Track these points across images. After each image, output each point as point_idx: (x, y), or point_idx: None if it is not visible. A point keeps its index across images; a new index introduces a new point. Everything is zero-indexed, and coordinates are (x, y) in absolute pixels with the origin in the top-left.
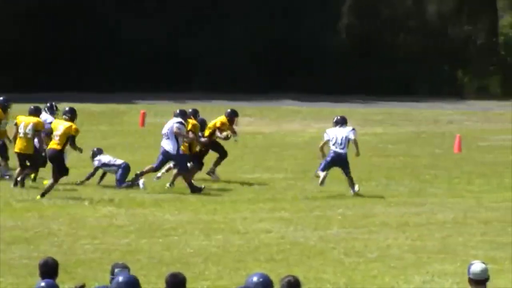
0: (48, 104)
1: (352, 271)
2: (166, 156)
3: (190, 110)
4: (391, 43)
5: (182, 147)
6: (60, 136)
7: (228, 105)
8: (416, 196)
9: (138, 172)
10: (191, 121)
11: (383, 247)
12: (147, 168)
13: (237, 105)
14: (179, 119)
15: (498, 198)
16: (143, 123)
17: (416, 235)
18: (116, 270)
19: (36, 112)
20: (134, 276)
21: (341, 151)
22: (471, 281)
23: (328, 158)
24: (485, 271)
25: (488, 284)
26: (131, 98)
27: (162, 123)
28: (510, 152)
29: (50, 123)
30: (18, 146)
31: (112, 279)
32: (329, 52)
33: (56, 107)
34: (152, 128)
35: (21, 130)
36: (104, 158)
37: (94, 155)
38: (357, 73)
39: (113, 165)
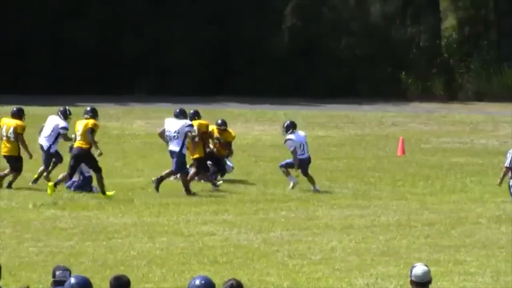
0: (61, 108)
1: (296, 273)
2: (174, 156)
3: (192, 112)
4: (334, 45)
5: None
6: (82, 135)
7: (171, 108)
8: (360, 198)
9: (185, 189)
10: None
11: (327, 250)
12: (187, 181)
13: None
14: (188, 121)
15: (441, 200)
16: None
17: (360, 237)
18: (57, 272)
19: (18, 114)
20: (87, 278)
21: (307, 155)
22: (413, 283)
23: (291, 161)
24: (427, 274)
25: (431, 286)
26: (74, 100)
27: (106, 126)
28: (453, 154)
29: (63, 128)
30: (3, 149)
31: (54, 281)
32: (272, 55)
33: (70, 112)
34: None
35: (4, 133)
36: None
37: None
38: (300, 76)
39: (81, 172)
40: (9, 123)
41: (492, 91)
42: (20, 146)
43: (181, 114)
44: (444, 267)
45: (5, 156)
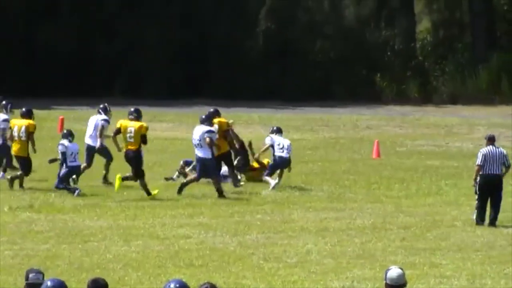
0: (101, 105)
1: (272, 276)
2: (203, 163)
3: (211, 111)
4: (308, 48)
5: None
6: (134, 137)
7: (147, 111)
8: (335, 201)
9: (180, 185)
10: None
11: (302, 252)
12: (188, 179)
13: (156, 111)
14: (209, 128)
15: (416, 203)
16: (61, 129)
17: (335, 240)
18: (30, 275)
19: (28, 114)
20: (62, 281)
21: (287, 155)
22: (388, 286)
23: (273, 163)
24: (401, 276)
25: None
26: (49, 103)
27: (81, 129)
28: (428, 157)
29: (104, 120)
30: (14, 149)
31: (27, 284)
32: (246, 57)
33: (109, 108)
34: None
35: (15, 134)
36: (71, 148)
37: (63, 136)
38: (275, 78)
39: (65, 160)
40: (20, 123)
41: (466, 93)
42: (30, 144)
43: (206, 120)
44: (419, 270)
45: (15, 156)
